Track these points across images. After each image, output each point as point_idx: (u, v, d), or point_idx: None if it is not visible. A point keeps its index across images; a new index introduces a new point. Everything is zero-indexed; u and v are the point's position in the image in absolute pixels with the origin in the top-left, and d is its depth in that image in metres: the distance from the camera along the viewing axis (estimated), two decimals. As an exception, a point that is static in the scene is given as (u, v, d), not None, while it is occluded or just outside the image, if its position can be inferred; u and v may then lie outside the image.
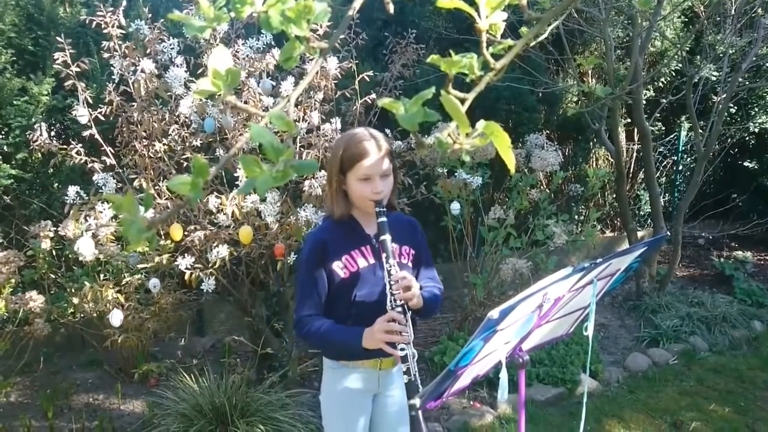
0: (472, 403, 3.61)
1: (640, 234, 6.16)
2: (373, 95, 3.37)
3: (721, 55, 5.14)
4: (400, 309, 1.76)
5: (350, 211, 1.89)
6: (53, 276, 3.53)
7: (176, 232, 2.85)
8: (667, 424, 3.49)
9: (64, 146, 3.03)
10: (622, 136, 5.39)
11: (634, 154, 6.65)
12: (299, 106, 3.18)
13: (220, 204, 2.94)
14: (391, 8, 0.84)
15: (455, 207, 3.91)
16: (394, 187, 1.89)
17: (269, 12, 0.70)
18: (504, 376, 1.70)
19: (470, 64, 0.73)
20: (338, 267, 1.85)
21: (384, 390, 2.01)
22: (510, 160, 0.73)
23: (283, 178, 0.67)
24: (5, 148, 3.81)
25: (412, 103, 0.69)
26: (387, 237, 1.78)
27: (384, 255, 1.78)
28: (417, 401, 1.66)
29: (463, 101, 0.71)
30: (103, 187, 2.88)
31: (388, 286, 1.78)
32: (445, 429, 3.35)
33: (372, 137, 1.80)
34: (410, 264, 1.94)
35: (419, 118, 0.69)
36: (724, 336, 4.61)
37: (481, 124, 0.71)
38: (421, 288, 1.91)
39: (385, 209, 1.81)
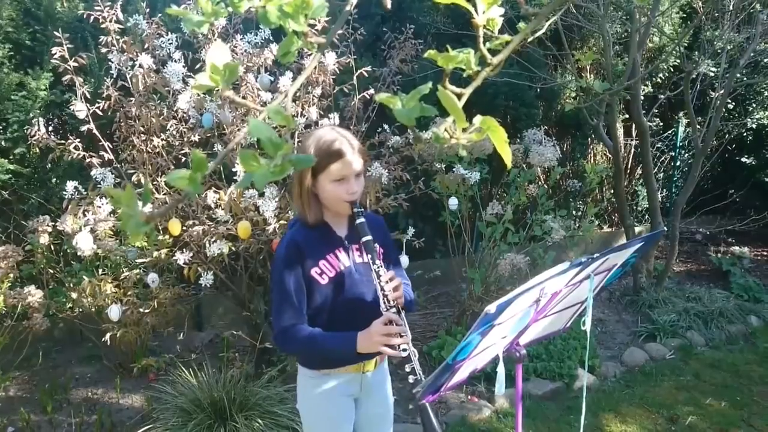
0: (469, 397, 3.63)
1: (637, 229, 6.17)
2: (372, 90, 3.37)
3: (719, 50, 5.14)
4: (395, 309, 1.73)
5: (323, 215, 1.83)
6: (52, 271, 3.53)
7: (174, 226, 2.85)
8: (663, 419, 3.51)
9: (62, 141, 3.03)
10: (620, 132, 5.40)
11: (632, 150, 6.65)
12: (297, 102, 3.18)
13: (218, 199, 2.94)
14: (389, 4, 0.84)
15: (453, 202, 3.91)
16: (366, 187, 1.87)
17: (267, 7, 0.70)
18: (501, 370, 1.71)
19: (467, 60, 0.73)
20: (316, 273, 1.80)
21: (366, 393, 1.97)
22: (507, 155, 0.74)
23: (281, 172, 0.67)
24: (3, 143, 3.81)
25: (409, 98, 0.70)
26: (369, 238, 1.76)
27: (369, 256, 1.76)
28: (426, 401, 1.65)
29: (459, 96, 0.72)
30: (101, 182, 2.88)
31: (379, 288, 1.75)
32: (443, 423, 3.37)
33: (342, 136, 1.74)
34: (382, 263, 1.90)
35: (416, 113, 0.70)
36: (720, 331, 4.63)
37: (477, 119, 0.72)
38: None
39: (362, 209, 1.78)
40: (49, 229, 3.16)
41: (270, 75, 3.08)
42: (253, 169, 0.66)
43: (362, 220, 1.77)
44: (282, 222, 3.05)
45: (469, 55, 0.73)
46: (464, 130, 0.71)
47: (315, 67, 3.09)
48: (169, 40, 2.95)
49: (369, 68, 3.35)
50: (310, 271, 1.79)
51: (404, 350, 1.71)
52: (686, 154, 7.18)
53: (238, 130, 3.04)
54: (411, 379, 1.70)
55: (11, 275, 3.17)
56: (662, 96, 5.69)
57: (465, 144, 0.71)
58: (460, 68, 0.76)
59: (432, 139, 0.72)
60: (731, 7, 4.82)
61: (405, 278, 2.00)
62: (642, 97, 5.28)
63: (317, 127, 3.20)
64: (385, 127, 3.58)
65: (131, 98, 3.03)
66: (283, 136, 0.69)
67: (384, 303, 1.74)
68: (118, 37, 2.95)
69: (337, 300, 1.82)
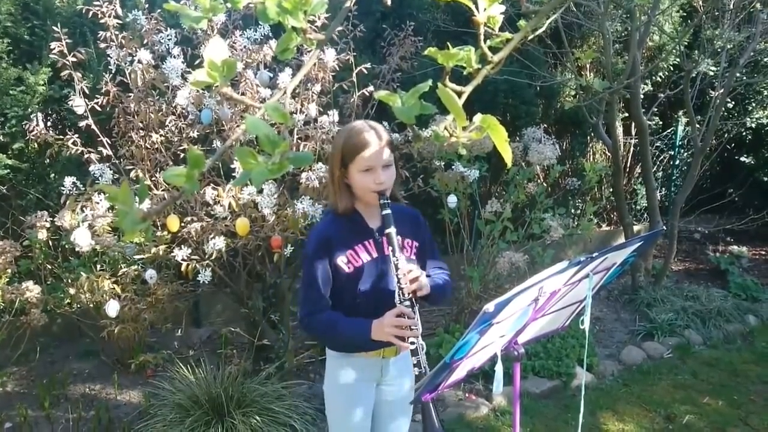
0: (467, 395, 3.63)
1: (636, 228, 6.18)
2: (371, 88, 3.36)
3: (719, 50, 5.14)
4: (408, 303, 1.78)
5: (353, 204, 1.90)
6: (50, 266, 3.52)
7: (173, 223, 2.84)
8: (660, 417, 3.52)
9: (61, 137, 3.02)
10: (620, 131, 5.39)
11: (631, 149, 6.65)
12: (297, 98, 3.17)
13: (217, 195, 2.93)
14: (389, 0, 0.84)
15: (452, 200, 3.91)
16: (396, 179, 1.91)
17: (266, 3, 0.69)
18: (499, 368, 1.71)
19: (467, 57, 0.73)
20: (342, 262, 1.86)
21: (386, 379, 2.03)
22: (507, 153, 0.74)
23: (279, 170, 0.66)
24: (1, 138, 3.79)
25: (409, 95, 0.69)
26: (392, 230, 1.79)
27: (390, 248, 1.80)
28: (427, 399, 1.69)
29: (460, 94, 0.71)
30: (99, 178, 2.87)
31: (395, 280, 1.80)
32: (441, 421, 3.36)
33: (372, 128, 1.82)
34: (413, 257, 1.95)
35: (416, 110, 0.69)
36: (718, 330, 4.63)
37: (478, 117, 0.71)
38: (428, 276, 1.94)
39: (389, 201, 1.83)
40: (48, 225, 3.15)
41: (269, 71, 3.06)
42: (251, 166, 0.66)
43: (388, 211, 1.81)
44: (281, 219, 3.04)
45: (469, 53, 0.73)
46: (464, 128, 0.70)
47: (314, 64, 3.08)
48: (168, 35, 2.94)
49: (368, 65, 3.34)
50: (336, 260, 1.86)
51: (412, 343, 1.76)
52: (685, 153, 7.18)
53: (237, 126, 3.03)
54: (416, 371, 1.76)
55: (9, 271, 3.16)
56: (662, 95, 5.68)
57: (465, 142, 0.70)
58: (460, 66, 0.76)
59: (432, 137, 0.71)
60: (731, 6, 4.81)
61: (444, 268, 2.06)
62: (641, 96, 5.28)
63: (317, 123, 3.19)
64: (385, 124, 3.57)
65: (130, 94, 3.02)
66: (281, 133, 0.68)
67: (398, 295, 1.79)
68: (117, 32, 2.94)
69: (361, 289, 1.89)
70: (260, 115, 0.70)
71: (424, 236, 2.03)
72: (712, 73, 5.71)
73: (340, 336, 1.90)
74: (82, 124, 2.94)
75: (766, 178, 7.14)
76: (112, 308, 3.01)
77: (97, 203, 2.86)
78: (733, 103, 6.80)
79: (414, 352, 1.77)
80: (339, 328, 1.85)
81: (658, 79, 6.50)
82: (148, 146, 3.05)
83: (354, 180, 1.83)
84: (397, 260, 1.78)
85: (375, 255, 1.89)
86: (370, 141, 1.78)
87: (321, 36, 0.75)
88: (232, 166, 2.94)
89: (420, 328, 1.78)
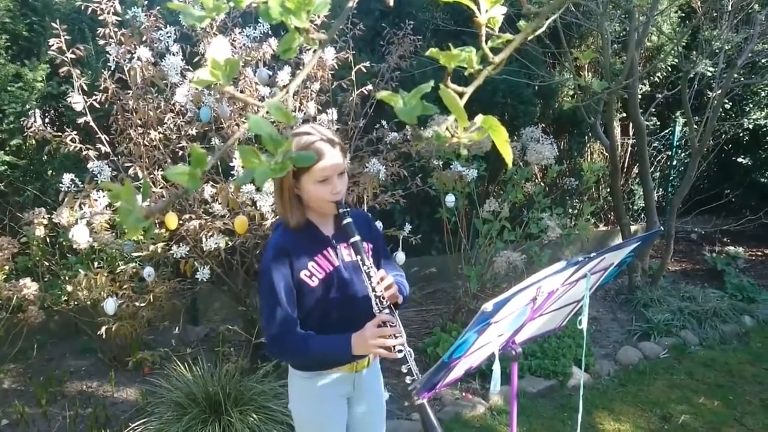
0: (464, 394, 3.63)
1: (633, 228, 6.19)
2: (370, 86, 3.37)
3: (717, 50, 5.15)
4: (387, 310, 1.70)
5: (306, 216, 1.79)
6: (47, 263, 3.52)
7: (171, 221, 2.84)
8: (656, 417, 3.53)
9: (59, 133, 3.01)
10: (618, 131, 5.41)
11: (629, 149, 6.67)
12: (296, 97, 3.17)
13: (216, 193, 2.93)
14: (391, 0, 0.84)
15: (450, 199, 3.91)
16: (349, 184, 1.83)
17: (269, 3, 0.70)
18: (497, 368, 1.72)
19: (469, 58, 0.73)
20: (305, 276, 1.75)
21: (359, 392, 1.95)
22: (508, 154, 0.74)
23: (282, 169, 0.67)
24: (-1, 134, 3.79)
25: (411, 96, 0.70)
26: (357, 238, 1.72)
27: (359, 257, 1.72)
28: (423, 399, 1.64)
29: (461, 95, 0.71)
30: (98, 175, 2.87)
31: (370, 289, 1.71)
32: (437, 420, 3.37)
33: (323, 135, 1.70)
34: (371, 259, 1.85)
35: (418, 111, 0.69)
36: (714, 330, 4.65)
37: (479, 118, 0.72)
38: None
39: (348, 209, 1.75)
40: (45, 222, 3.15)
41: (268, 69, 3.06)
42: (254, 165, 0.66)
43: (349, 220, 1.73)
44: (279, 217, 3.04)
45: (471, 53, 0.73)
46: (465, 129, 0.71)
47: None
48: (167, 32, 2.94)
49: (368, 64, 3.34)
50: (299, 274, 1.75)
51: (399, 351, 1.68)
52: (683, 154, 7.20)
53: (236, 124, 3.03)
54: (408, 380, 1.67)
55: (7, 267, 3.16)
56: (660, 95, 5.69)
57: (466, 143, 0.71)
58: (461, 66, 0.76)
59: (433, 138, 0.72)
60: (730, 7, 4.83)
61: (397, 270, 1.97)
62: (639, 96, 5.29)
63: (315, 122, 3.19)
64: (383, 123, 3.58)
65: (128, 91, 3.01)
66: (283, 132, 0.69)
67: (377, 304, 1.71)
68: (115, 29, 2.93)
69: (329, 300, 1.79)
70: (262, 114, 0.71)
71: (377, 238, 1.94)
72: (709, 74, 5.73)
73: (317, 356, 1.77)
74: (81, 120, 2.94)
75: (762, 179, 7.16)
76: (110, 306, 3.01)
77: (96, 200, 2.85)
78: (731, 104, 6.81)
79: (403, 360, 1.68)
80: (315, 348, 1.73)
81: (656, 79, 6.52)
82: (147, 143, 3.05)
83: (308, 191, 1.71)
84: (368, 268, 1.71)
85: (337, 264, 1.79)
86: (324, 150, 1.66)
87: (323, 36, 0.75)
88: (231, 164, 2.94)
89: (404, 334, 1.70)
